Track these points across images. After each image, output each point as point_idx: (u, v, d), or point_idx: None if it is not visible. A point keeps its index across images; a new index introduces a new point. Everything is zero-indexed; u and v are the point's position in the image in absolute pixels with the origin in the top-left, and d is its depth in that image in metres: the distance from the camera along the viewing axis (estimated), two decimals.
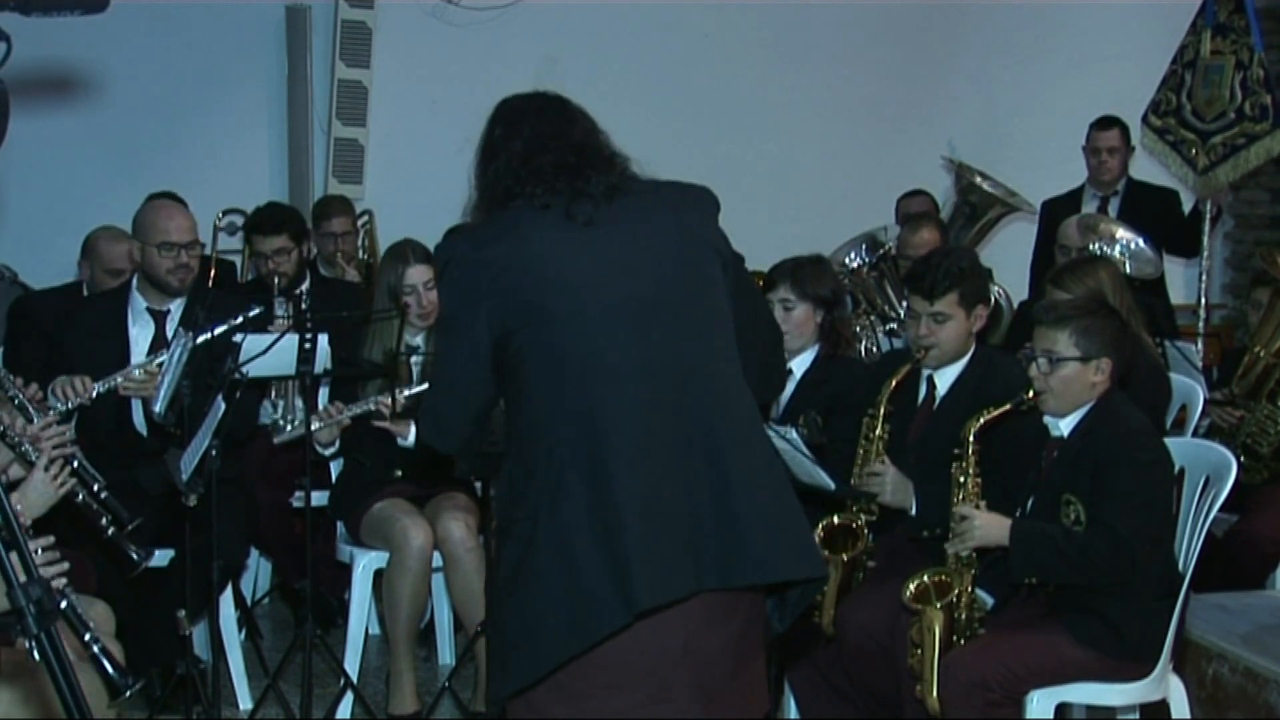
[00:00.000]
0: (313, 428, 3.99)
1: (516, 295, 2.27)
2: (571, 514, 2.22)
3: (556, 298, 2.27)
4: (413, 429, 4.10)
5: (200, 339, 3.71)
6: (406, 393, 4.02)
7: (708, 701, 2.31)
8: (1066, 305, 3.43)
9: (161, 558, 3.97)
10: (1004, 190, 6.02)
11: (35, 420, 3.45)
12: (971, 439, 3.31)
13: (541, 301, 2.27)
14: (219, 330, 3.75)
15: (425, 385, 4.04)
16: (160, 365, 3.88)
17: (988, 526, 3.22)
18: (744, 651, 2.38)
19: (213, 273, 5.33)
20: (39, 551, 2.97)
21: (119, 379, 3.90)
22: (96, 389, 3.85)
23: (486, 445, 3.22)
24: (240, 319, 3.80)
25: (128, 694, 2.79)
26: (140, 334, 4.19)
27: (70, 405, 3.77)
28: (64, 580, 2.81)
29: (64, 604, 2.74)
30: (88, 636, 2.79)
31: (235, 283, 5.54)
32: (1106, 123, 5.98)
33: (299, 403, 4.15)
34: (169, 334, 4.14)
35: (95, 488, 3.40)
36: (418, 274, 4.21)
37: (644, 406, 2.26)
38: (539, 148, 2.35)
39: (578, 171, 2.33)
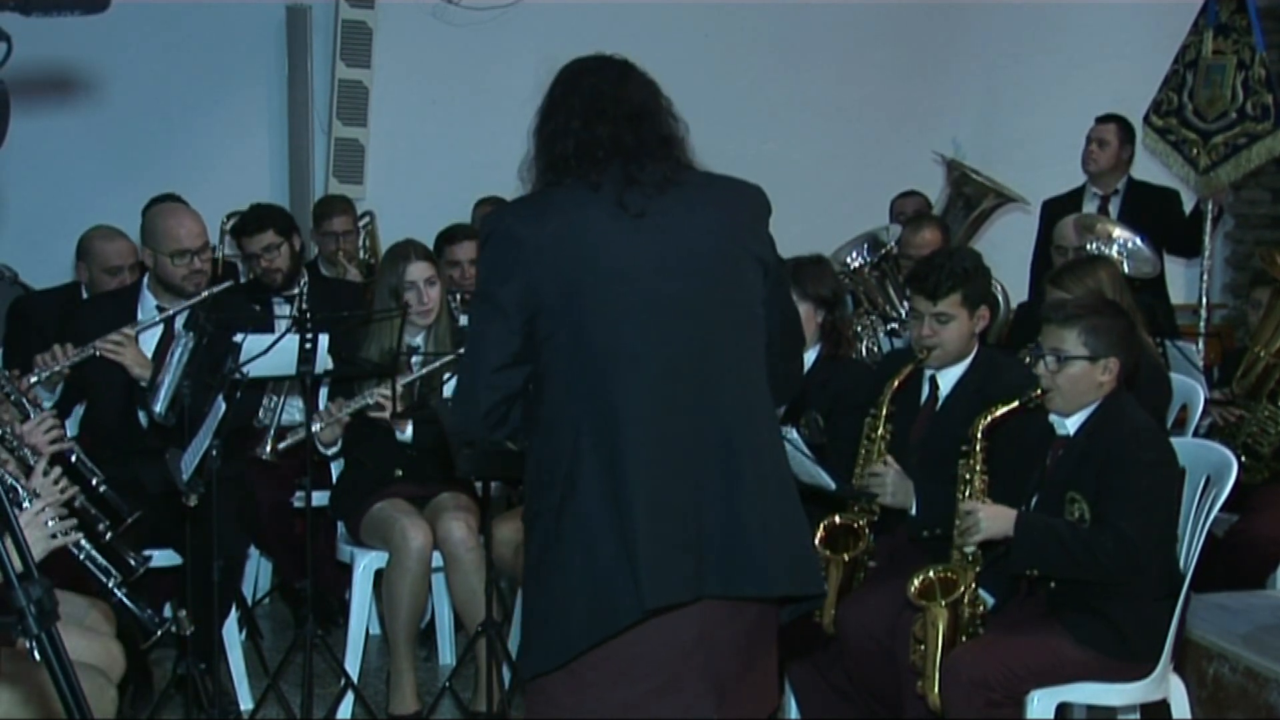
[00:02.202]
0: (314, 429, 4.00)
1: (556, 276, 2.27)
2: (592, 507, 2.24)
3: (594, 285, 2.27)
4: (409, 425, 4.10)
5: (173, 312, 3.96)
6: (403, 381, 4.02)
7: (718, 693, 2.33)
8: (1075, 304, 3.42)
9: (162, 558, 3.97)
10: (996, 183, 6.04)
11: (32, 415, 3.46)
12: (979, 435, 3.31)
13: (579, 287, 2.27)
14: (185, 307, 3.97)
15: (422, 372, 4.05)
16: (137, 333, 4.00)
17: (993, 519, 3.22)
18: (755, 645, 2.39)
19: (219, 274, 5.33)
20: (47, 473, 2.97)
21: (96, 345, 3.95)
22: (73, 357, 3.90)
23: (485, 445, 3.23)
24: (207, 293, 3.98)
25: (158, 634, 2.81)
26: (149, 332, 4.20)
27: (48, 373, 3.78)
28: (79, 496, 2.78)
29: (109, 536, 2.73)
30: (111, 583, 2.79)
31: (237, 284, 5.54)
32: (1105, 117, 5.99)
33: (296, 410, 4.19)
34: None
35: (94, 482, 3.40)
36: (419, 270, 4.22)
37: (664, 407, 2.27)
38: (597, 112, 2.33)
39: (633, 156, 2.31)
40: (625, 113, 2.34)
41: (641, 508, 2.22)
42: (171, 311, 4.11)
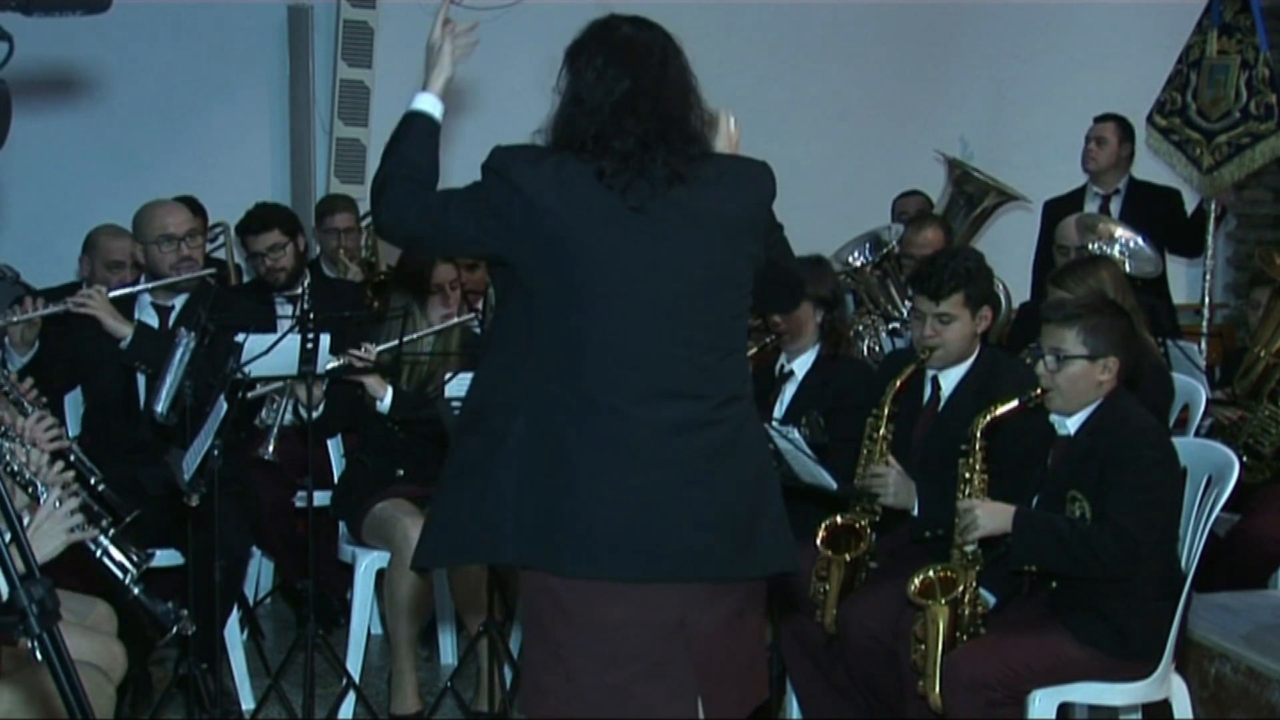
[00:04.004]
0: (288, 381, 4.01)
1: (549, 251, 2.30)
2: (529, 462, 2.29)
3: (584, 274, 2.29)
4: (389, 392, 4.09)
5: (150, 286, 4.17)
6: (378, 348, 4.02)
7: (704, 678, 2.34)
8: (1075, 303, 3.43)
9: (164, 558, 3.97)
10: (998, 182, 6.04)
11: (31, 413, 3.46)
12: (979, 434, 3.31)
13: (573, 277, 2.29)
14: (163, 284, 4.16)
15: (394, 342, 4.04)
16: (112, 296, 4.11)
17: (991, 515, 3.23)
18: (741, 629, 2.41)
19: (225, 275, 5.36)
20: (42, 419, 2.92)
21: (68, 300, 4.07)
22: (44, 309, 4.03)
23: None
24: (190, 275, 4.14)
25: (174, 630, 2.79)
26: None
27: (18, 320, 3.95)
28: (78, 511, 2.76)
29: (111, 532, 2.70)
30: (126, 579, 2.76)
31: (224, 281, 5.55)
32: (1104, 116, 5.99)
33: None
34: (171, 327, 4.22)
35: (92, 481, 3.40)
36: (445, 273, 4.26)
37: (634, 400, 2.30)
38: (629, 108, 2.32)
39: (650, 148, 2.31)
40: (657, 112, 2.34)
41: (584, 488, 2.26)
42: (148, 286, 4.20)
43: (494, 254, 2.38)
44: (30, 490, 2.90)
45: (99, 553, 2.87)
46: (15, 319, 4.00)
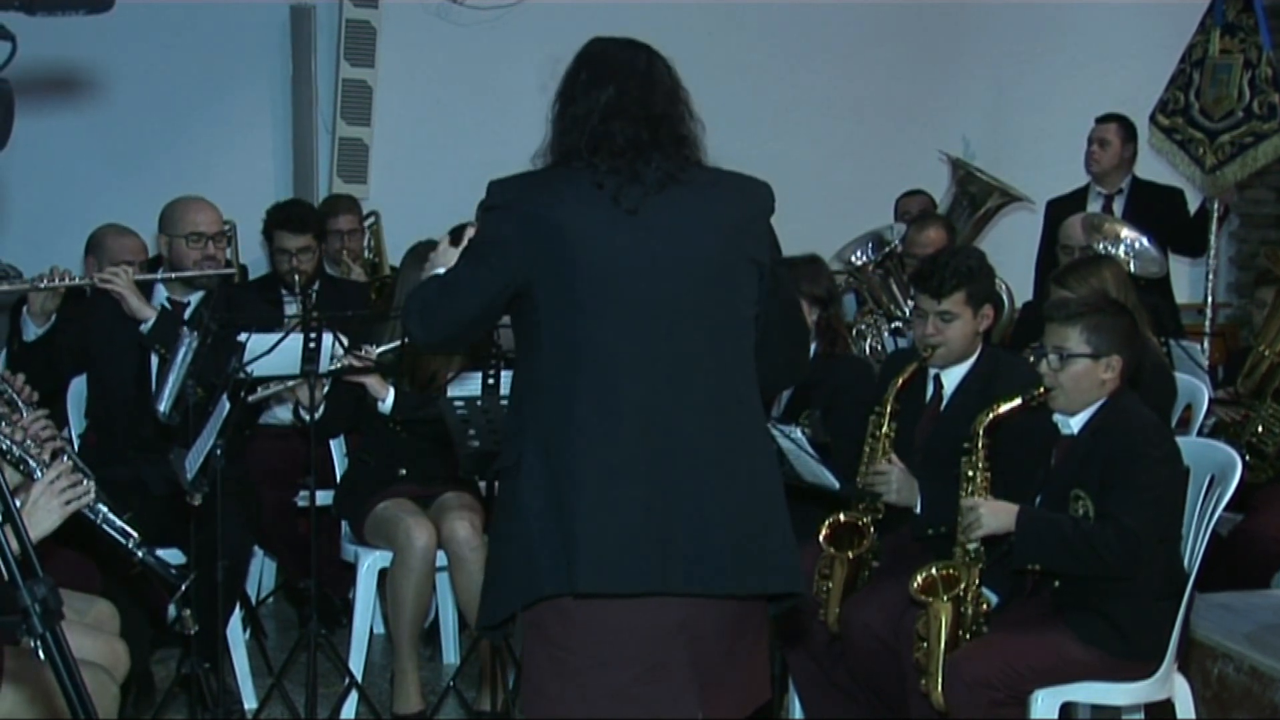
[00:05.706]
0: (290, 384, 4.01)
1: (548, 265, 2.31)
2: (542, 486, 2.29)
3: (584, 284, 2.30)
4: (391, 393, 4.09)
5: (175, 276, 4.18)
6: (380, 349, 4.02)
7: (705, 681, 2.33)
8: (1078, 302, 3.43)
9: (166, 558, 3.97)
10: (1001, 182, 6.04)
11: (26, 414, 3.46)
12: (981, 433, 3.31)
13: (571, 281, 2.30)
14: (190, 275, 4.20)
15: (396, 343, 4.02)
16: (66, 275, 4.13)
17: (994, 514, 3.23)
18: (741, 635, 2.40)
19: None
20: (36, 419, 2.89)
21: (94, 275, 4.12)
22: (70, 281, 4.09)
23: (489, 444, 3.23)
24: (213, 272, 4.19)
25: (184, 587, 2.79)
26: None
27: (45, 286, 4.02)
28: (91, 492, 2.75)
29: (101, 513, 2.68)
30: (130, 543, 2.75)
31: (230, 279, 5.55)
32: (1106, 117, 5.99)
33: None
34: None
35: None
36: None
37: (637, 407, 2.30)
38: (619, 110, 2.35)
39: (642, 151, 2.33)
40: (645, 114, 2.36)
41: (587, 498, 2.26)
42: (170, 275, 4.24)
43: (506, 286, 2.35)
44: (22, 468, 2.89)
45: (98, 520, 2.84)
46: (42, 285, 4.04)
